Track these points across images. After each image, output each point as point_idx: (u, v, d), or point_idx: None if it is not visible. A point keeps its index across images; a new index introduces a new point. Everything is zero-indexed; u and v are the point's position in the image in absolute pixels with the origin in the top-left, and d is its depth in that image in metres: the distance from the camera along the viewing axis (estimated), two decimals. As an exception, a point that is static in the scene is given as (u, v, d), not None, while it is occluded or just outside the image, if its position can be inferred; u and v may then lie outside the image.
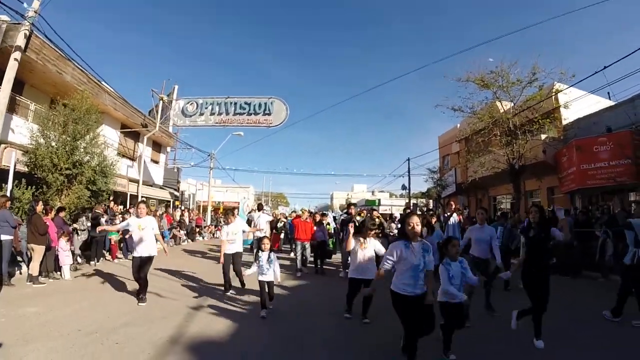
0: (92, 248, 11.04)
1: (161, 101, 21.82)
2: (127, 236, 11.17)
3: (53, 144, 11.32)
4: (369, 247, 6.06)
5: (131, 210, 13.40)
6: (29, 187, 10.73)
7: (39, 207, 8.32)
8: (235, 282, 7.85)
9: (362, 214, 12.49)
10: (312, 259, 10.86)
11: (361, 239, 6.12)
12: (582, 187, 14.30)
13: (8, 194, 9.64)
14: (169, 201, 25.61)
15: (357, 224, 9.83)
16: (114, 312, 6.08)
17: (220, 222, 26.00)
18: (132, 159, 21.12)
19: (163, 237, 15.87)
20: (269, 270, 6.02)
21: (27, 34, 10.54)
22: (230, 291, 7.63)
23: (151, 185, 22.83)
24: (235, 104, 25.10)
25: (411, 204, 31.93)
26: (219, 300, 7.07)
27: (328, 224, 12.29)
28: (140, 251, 6.75)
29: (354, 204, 11.28)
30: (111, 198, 13.93)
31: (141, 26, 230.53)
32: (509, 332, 4.97)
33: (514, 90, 16.22)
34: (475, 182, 21.03)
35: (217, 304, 6.81)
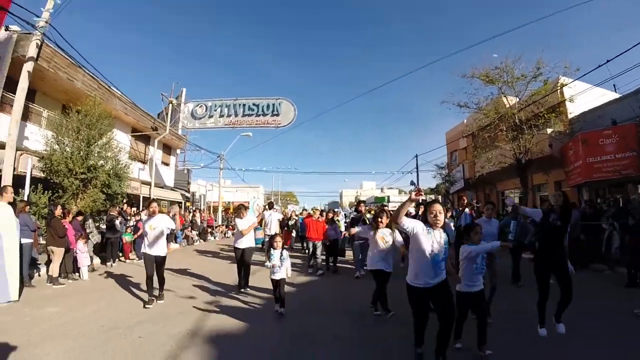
0: (107, 249, 11.33)
1: (170, 104, 22.17)
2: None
3: (67, 149, 11.65)
4: (387, 236, 5.97)
5: (143, 213, 13.69)
6: (45, 192, 11.06)
7: (58, 211, 8.63)
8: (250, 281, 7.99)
9: (372, 212, 12.59)
10: (324, 257, 10.71)
11: (377, 231, 6.04)
12: (589, 180, 14.33)
13: (25, 198, 9.96)
14: (181, 202, 25.95)
15: (368, 222, 9.98)
16: (133, 309, 6.35)
17: (230, 221, 26.33)
18: (144, 161, 21.48)
19: (175, 239, 16.33)
20: (281, 268, 6.02)
21: (39, 43, 10.79)
22: (245, 289, 7.72)
23: (162, 187, 23.17)
24: (244, 105, 25.46)
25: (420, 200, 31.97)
26: (233, 297, 7.23)
27: (338, 220, 12.13)
28: (152, 250, 6.70)
29: (364, 202, 11.22)
30: (125, 201, 14.22)
31: (141, 26, 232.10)
32: (518, 322, 5.08)
33: (519, 85, 16.36)
34: (482, 178, 21.14)
35: (231, 301, 6.99)
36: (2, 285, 6.63)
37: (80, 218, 10.09)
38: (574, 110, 16.80)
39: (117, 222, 11.34)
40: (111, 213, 11.55)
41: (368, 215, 10.47)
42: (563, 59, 18.00)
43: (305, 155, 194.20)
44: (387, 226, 6.08)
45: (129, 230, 12.18)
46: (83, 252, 9.17)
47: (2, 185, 8.12)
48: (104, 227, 11.81)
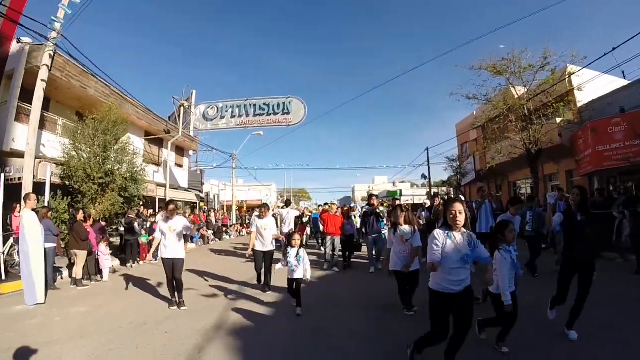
0: (126, 251, 11.69)
1: (182, 107, 22.53)
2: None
3: (85, 155, 11.97)
4: (406, 235, 5.76)
5: (159, 215, 13.99)
6: (65, 197, 11.38)
7: (80, 215, 8.95)
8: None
9: (385, 205, 12.63)
10: (340, 253, 10.47)
11: (398, 228, 5.84)
12: (599, 169, 14.34)
13: (46, 205, 10.30)
14: (195, 203, 26.34)
15: (381, 215, 9.94)
16: (157, 307, 6.65)
17: (245, 220, 26.66)
18: (158, 164, 21.89)
19: (192, 239, 16.63)
20: (299, 267, 5.85)
21: (52, 54, 11.04)
22: (265, 289, 7.57)
23: (177, 189, 23.54)
24: (255, 105, 25.87)
25: (432, 193, 32.10)
26: (252, 295, 7.36)
27: (355, 216, 11.99)
28: (170, 253, 6.58)
29: (376, 195, 11.12)
30: (141, 203, 14.54)
31: (140, 24, 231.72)
32: (531, 315, 5.02)
33: (527, 75, 16.38)
34: (493, 169, 21.16)
35: (251, 297, 7.17)
36: (30, 288, 6.96)
37: (103, 223, 10.44)
38: (583, 98, 16.77)
39: (136, 224, 11.67)
40: (130, 215, 11.87)
41: (381, 208, 10.42)
42: (570, 47, 18.01)
43: (317, 151, 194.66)
44: (407, 222, 5.87)
45: (144, 232, 12.45)
46: (105, 255, 9.52)
47: (25, 193, 8.46)
48: (122, 229, 12.16)
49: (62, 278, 9.33)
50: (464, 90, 18.09)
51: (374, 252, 9.68)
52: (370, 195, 10.97)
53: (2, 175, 9.39)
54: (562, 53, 15.60)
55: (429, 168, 32.80)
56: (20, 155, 11.14)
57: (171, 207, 6.86)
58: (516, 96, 16.94)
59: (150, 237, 12.07)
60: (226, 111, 26.37)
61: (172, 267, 6.58)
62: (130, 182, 13.12)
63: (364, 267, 9.96)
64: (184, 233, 6.84)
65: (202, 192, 29.73)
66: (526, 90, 16.75)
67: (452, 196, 27.66)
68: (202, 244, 18.01)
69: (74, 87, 13.95)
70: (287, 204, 12.13)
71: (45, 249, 7.54)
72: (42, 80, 10.70)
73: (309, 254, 6.38)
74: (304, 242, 15.88)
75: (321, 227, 12.24)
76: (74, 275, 8.69)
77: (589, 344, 4.32)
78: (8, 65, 12.48)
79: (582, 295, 4.49)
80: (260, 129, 26.67)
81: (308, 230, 16.35)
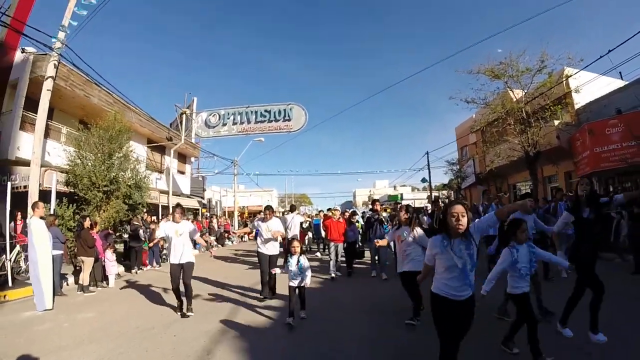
0: (131, 258, 11.84)
1: (184, 115, 22.73)
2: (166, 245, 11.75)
3: (90, 163, 12.11)
4: (402, 235, 5.77)
5: (166, 219, 14.10)
6: (70, 205, 11.51)
7: (87, 223, 9.10)
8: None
9: (388, 210, 12.70)
10: (343, 259, 10.45)
11: (404, 232, 5.79)
12: (597, 170, 14.43)
13: (52, 212, 10.43)
14: (197, 209, 26.48)
15: (383, 220, 9.87)
16: (164, 312, 6.78)
17: (247, 225, 26.82)
18: (160, 171, 22.04)
19: (195, 245, 16.68)
20: (299, 275, 5.71)
21: (56, 64, 11.20)
22: (269, 294, 7.43)
23: (179, 195, 23.66)
24: (256, 112, 26.17)
25: (432, 196, 32.23)
26: (256, 298, 7.45)
27: (357, 221, 11.82)
28: (179, 258, 6.46)
29: (377, 200, 11.12)
30: (145, 210, 14.67)
31: (140, 29, 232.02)
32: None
33: (525, 78, 16.50)
34: (493, 172, 21.26)
35: (255, 302, 7.23)
36: (39, 294, 7.12)
37: (111, 231, 10.63)
38: (580, 100, 16.90)
39: (141, 231, 11.81)
40: (135, 222, 12.01)
41: (384, 214, 10.35)
42: (567, 50, 18.20)
43: (318, 156, 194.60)
44: (408, 224, 5.86)
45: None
46: (111, 261, 9.67)
47: (33, 201, 8.60)
48: (126, 236, 12.30)
49: (67, 285, 9.46)
50: (462, 94, 18.24)
51: (376, 258, 9.66)
52: (374, 201, 10.90)
53: (9, 183, 9.55)
54: (559, 56, 15.79)
55: (429, 172, 32.93)
56: (25, 163, 11.30)
57: (178, 210, 6.77)
58: (514, 99, 17.08)
59: (151, 244, 12.20)
60: (228, 118, 26.63)
61: (181, 272, 6.49)
62: (135, 190, 13.24)
63: (367, 273, 9.96)
64: (194, 236, 6.79)
65: (204, 199, 29.89)
66: (524, 93, 16.89)
67: (452, 199, 27.79)
68: (205, 249, 18.09)
69: (78, 96, 14.13)
70: (292, 209, 11.90)
71: (52, 256, 7.67)
72: (48, 90, 10.85)
73: (310, 259, 6.35)
74: (307, 248, 16.06)
75: (323, 234, 12.24)
76: (80, 282, 8.82)
77: (589, 342, 4.37)
78: (12, 74, 12.67)
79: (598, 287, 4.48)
80: (262, 135, 26.90)
81: (309, 234, 16.42)
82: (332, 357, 4.47)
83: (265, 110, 26.35)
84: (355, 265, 10.71)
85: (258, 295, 7.56)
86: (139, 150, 18.22)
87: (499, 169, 20.32)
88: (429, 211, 12.83)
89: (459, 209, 3.12)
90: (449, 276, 3.14)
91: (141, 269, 12.08)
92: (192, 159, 27.81)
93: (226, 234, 22.59)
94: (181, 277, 6.53)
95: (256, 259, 8.01)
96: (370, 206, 11.78)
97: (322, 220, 14.20)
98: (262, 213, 8.54)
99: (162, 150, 22.41)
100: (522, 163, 17.69)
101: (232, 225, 26.30)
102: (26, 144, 12.00)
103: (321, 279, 9.44)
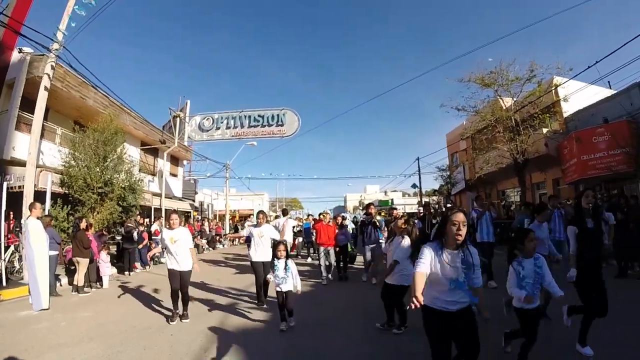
0: (124, 259, 11.87)
1: (178, 118, 22.82)
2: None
3: (85, 165, 12.16)
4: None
5: (157, 223, 14.18)
6: (65, 206, 11.57)
7: (83, 224, 9.19)
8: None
9: (383, 214, 12.75)
10: (335, 263, 10.05)
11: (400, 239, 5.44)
12: (584, 177, 14.76)
13: (47, 213, 10.47)
14: (189, 212, 26.50)
15: (378, 225, 9.61)
16: (160, 312, 6.85)
17: (239, 229, 26.83)
18: (153, 174, 22.09)
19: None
20: (287, 279, 5.51)
21: (53, 65, 11.19)
22: (264, 301, 7.20)
23: (171, 198, 23.70)
24: (249, 117, 26.43)
25: (423, 202, 32.49)
26: (250, 302, 7.51)
27: (346, 225, 11.36)
28: (175, 265, 6.26)
29: (372, 204, 10.77)
30: (138, 213, 14.72)
31: (137, 32, 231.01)
32: None
33: (514, 87, 16.86)
34: (482, 178, 21.59)
35: (249, 305, 7.31)
36: (35, 294, 7.16)
37: (106, 233, 10.68)
38: (569, 109, 17.25)
39: (135, 233, 11.90)
40: (129, 224, 12.09)
41: (378, 218, 10.28)
42: (556, 60, 18.56)
43: (309, 161, 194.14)
44: (401, 232, 5.50)
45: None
46: (105, 262, 9.75)
47: (30, 202, 8.67)
48: (119, 237, 12.35)
49: (61, 285, 9.49)
50: (453, 102, 18.56)
51: (370, 262, 9.52)
52: (368, 205, 10.75)
53: (5, 183, 9.60)
54: (548, 65, 16.16)
55: (419, 177, 33.20)
56: (21, 163, 11.33)
57: (174, 216, 6.51)
58: (504, 107, 17.40)
59: (140, 245, 12.24)
60: (221, 122, 26.85)
61: (179, 280, 6.25)
62: (129, 192, 13.31)
63: (358, 277, 9.95)
64: (191, 245, 6.55)
65: (195, 202, 29.91)
66: (513, 101, 17.21)
67: (442, 205, 28.04)
68: (196, 252, 18.13)
69: (74, 97, 14.20)
70: (284, 213, 11.67)
71: (49, 256, 7.74)
72: (45, 89, 10.81)
73: (299, 264, 6.24)
74: (298, 252, 16.14)
75: (313, 237, 12.22)
76: (75, 283, 8.88)
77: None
78: (9, 74, 12.68)
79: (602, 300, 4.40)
80: (255, 140, 27.03)
81: (300, 239, 16.46)
82: (329, 356, 4.59)
83: (259, 115, 26.65)
84: (349, 270, 10.56)
85: (251, 298, 7.65)
86: (132, 152, 18.30)
87: (488, 175, 20.63)
88: (420, 214, 12.91)
89: (460, 217, 2.93)
90: (440, 286, 2.95)
91: (133, 271, 12.06)
92: (185, 162, 27.89)
93: (217, 237, 22.64)
94: (178, 284, 6.31)
95: (248, 262, 7.80)
96: (361, 210, 11.78)
97: (312, 224, 14.29)
98: (251, 217, 8.39)
99: (155, 152, 22.49)
100: (511, 170, 18.02)
101: (223, 229, 26.31)
102: (21, 144, 12.05)
103: (311, 284, 9.39)
